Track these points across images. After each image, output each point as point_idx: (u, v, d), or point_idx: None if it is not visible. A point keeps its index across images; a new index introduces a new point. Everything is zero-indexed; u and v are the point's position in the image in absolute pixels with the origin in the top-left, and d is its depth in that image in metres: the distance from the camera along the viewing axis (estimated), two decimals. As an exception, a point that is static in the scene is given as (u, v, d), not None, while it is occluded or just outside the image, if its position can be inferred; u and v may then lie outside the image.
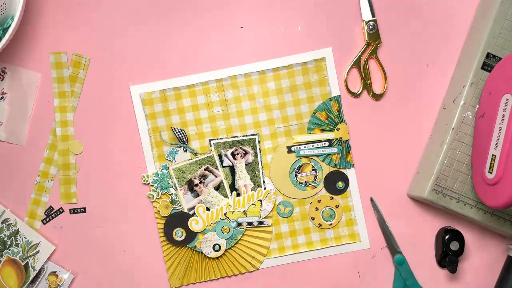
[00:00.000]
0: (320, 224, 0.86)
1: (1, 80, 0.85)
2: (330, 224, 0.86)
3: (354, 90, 0.86)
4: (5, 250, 0.85)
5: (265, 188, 0.85)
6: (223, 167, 0.85)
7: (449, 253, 0.83)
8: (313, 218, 0.86)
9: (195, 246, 0.85)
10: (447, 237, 0.83)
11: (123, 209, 0.86)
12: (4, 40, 0.79)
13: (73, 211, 0.86)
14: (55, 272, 0.85)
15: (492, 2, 0.82)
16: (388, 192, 0.86)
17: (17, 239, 0.85)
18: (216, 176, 0.85)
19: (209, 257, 0.85)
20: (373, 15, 0.86)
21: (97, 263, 0.86)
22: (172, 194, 0.85)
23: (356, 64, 0.86)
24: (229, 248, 0.85)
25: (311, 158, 0.86)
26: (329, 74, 0.86)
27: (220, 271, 0.86)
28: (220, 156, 0.85)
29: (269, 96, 0.86)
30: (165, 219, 0.85)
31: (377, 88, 0.86)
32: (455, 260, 0.83)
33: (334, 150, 0.85)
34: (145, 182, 0.85)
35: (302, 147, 0.86)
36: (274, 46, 0.86)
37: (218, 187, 0.85)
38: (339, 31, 0.86)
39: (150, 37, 0.86)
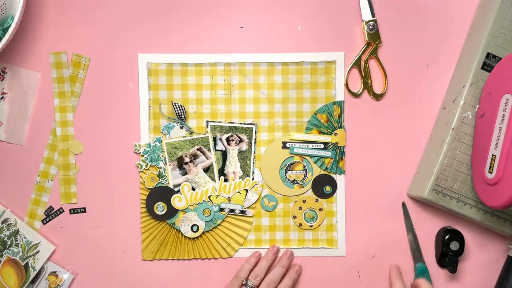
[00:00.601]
0: (300, 224, 0.86)
1: (1, 80, 0.85)
2: (311, 226, 0.86)
3: (354, 90, 0.86)
4: (5, 250, 0.85)
5: (253, 179, 0.86)
6: (216, 150, 0.86)
7: (449, 253, 0.83)
8: (294, 217, 0.86)
9: (174, 223, 0.85)
10: (447, 237, 0.83)
11: (122, 209, 0.86)
12: (4, 40, 0.79)
13: (73, 211, 0.86)
14: (55, 272, 0.85)
15: (492, 2, 0.82)
16: (388, 192, 0.86)
17: (17, 239, 0.85)
18: (207, 158, 0.85)
19: (185, 236, 0.85)
20: (373, 15, 0.86)
21: (97, 263, 0.86)
22: (160, 167, 0.85)
23: (357, 64, 0.86)
24: (207, 231, 0.86)
25: (304, 158, 0.86)
26: (337, 78, 0.86)
27: (194, 252, 0.86)
28: (215, 139, 0.85)
29: (274, 89, 0.86)
30: (149, 191, 0.85)
31: (378, 88, 0.86)
32: (455, 260, 0.83)
33: (327, 153, 0.86)
34: (136, 151, 0.85)
35: (297, 144, 0.86)
36: (272, 44, 0.86)
37: (207, 169, 0.85)
38: (339, 31, 0.86)
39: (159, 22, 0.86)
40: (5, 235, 0.85)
